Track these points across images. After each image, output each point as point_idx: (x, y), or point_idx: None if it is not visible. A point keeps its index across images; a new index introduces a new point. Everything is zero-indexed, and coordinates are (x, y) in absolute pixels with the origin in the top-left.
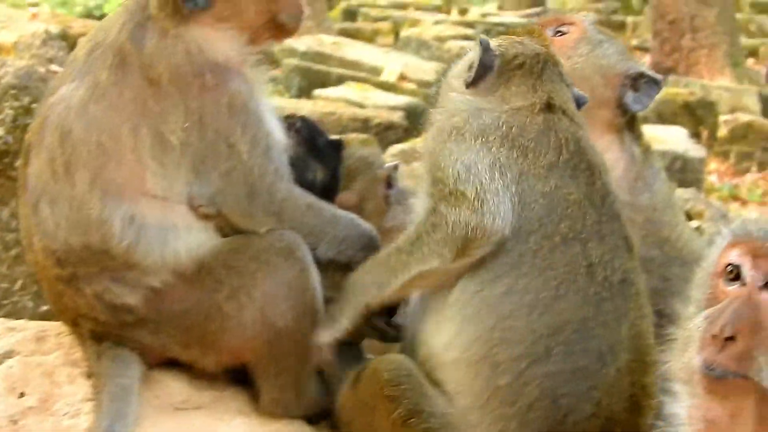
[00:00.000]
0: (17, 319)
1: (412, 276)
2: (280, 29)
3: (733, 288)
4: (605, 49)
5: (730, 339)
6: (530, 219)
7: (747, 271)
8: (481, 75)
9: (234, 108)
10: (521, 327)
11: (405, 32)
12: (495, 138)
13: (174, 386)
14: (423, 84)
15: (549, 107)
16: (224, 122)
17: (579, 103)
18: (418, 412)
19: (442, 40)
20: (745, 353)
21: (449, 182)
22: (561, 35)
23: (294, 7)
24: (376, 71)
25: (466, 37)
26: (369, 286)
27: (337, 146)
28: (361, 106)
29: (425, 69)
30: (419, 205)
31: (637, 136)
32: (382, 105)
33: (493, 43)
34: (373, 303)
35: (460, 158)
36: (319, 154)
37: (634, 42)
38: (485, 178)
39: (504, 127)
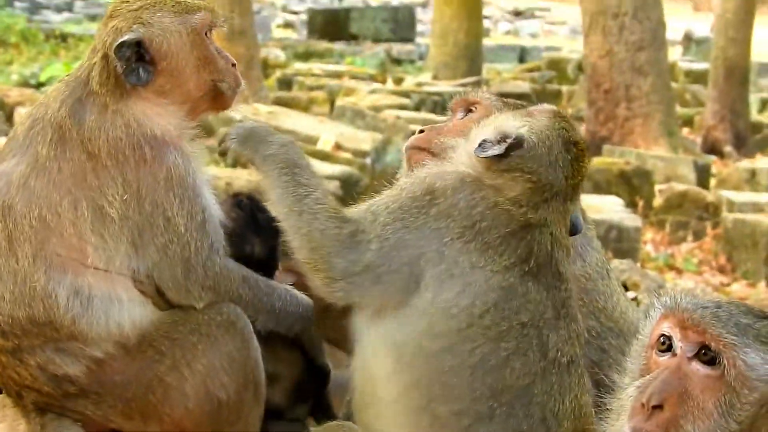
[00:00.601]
0: None
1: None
2: (218, 101)
3: (664, 359)
4: None
5: (658, 407)
6: (486, 301)
7: (676, 342)
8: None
9: (171, 182)
10: (462, 384)
11: (340, 101)
12: (456, 225)
13: None
14: (358, 153)
15: (535, 223)
16: (161, 195)
17: (574, 230)
18: None
19: (377, 109)
20: (672, 421)
21: (370, 214)
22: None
23: (232, 78)
24: (311, 140)
25: (402, 107)
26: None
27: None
28: None
29: (360, 138)
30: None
31: None
32: (318, 174)
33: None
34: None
35: (404, 223)
36: (259, 230)
37: (570, 111)
38: (394, 254)
39: (477, 218)
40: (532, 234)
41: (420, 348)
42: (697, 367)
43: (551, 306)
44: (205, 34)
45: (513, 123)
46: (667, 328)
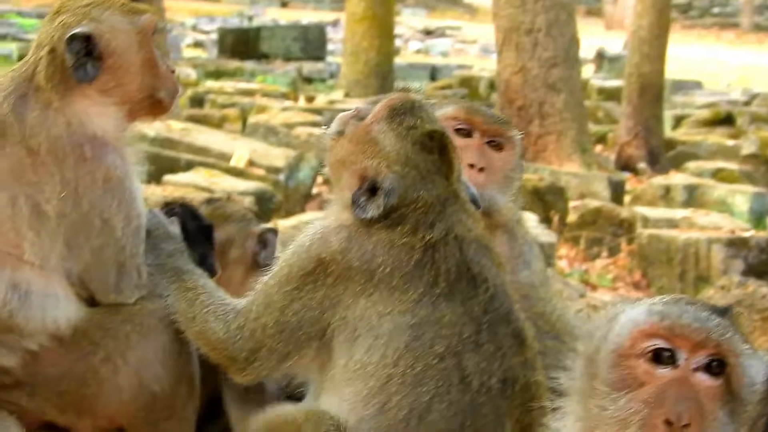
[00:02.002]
0: None
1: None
2: (157, 106)
3: (664, 371)
4: None
5: (686, 426)
6: (396, 347)
7: (679, 354)
8: (366, 211)
9: (110, 182)
10: None
11: (252, 118)
12: (355, 285)
13: None
14: (272, 170)
15: (440, 240)
16: (99, 196)
17: (475, 205)
18: None
19: (290, 126)
20: None
21: (262, 297)
22: None
23: (172, 85)
24: (224, 157)
25: (314, 124)
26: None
27: (208, 231)
28: (210, 191)
29: (274, 154)
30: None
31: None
32: (231, 190)
33: (395, 173)
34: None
35: (303, 302)
36: (191, 237)
37: None
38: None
39: (373, 268)
40: (437, 253)
41: (358, 416)
42: (702, 378)
43: (469, 319)
44: (150, 37)
45: (371, 162)
46: (662, 341)
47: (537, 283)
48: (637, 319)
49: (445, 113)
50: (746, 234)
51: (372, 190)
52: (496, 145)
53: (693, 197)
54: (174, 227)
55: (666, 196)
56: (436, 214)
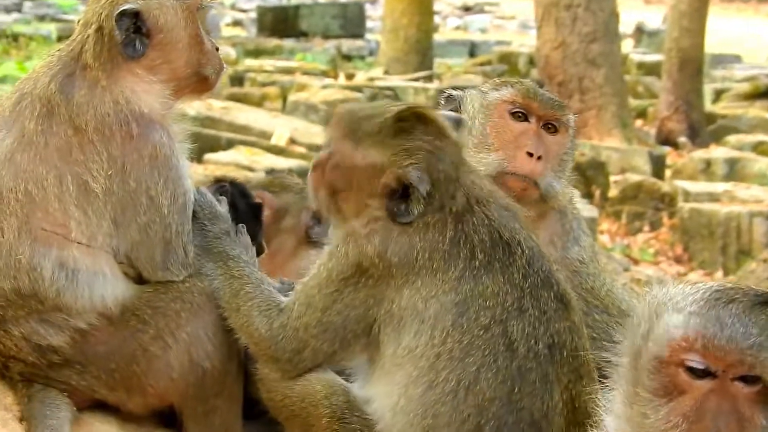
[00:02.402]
0: None
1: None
2: (202, 83)
3: (702, 382)
4: None
5: None
6: (443, 327)
7: (716, 368)
8: (409, 214)
9: (156, 160)
10: (449, 412)
11: (293, 96)
12: (397, 279)
13: (103, 429)
14: (312, 147)
15: (465, 208)
16: (146, 173)
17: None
18: None
19: (330, 103)
20: None
21: (303, 297)
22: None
23: (217, 62)
24: (265, 135)
25: (355, 102)
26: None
27: (257, 210)
28: (251, 169)
29: (314, 132)
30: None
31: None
32: (272, 169)
33: (415, 167)
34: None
35: (345, 302)
36: (240, 215)
37: None
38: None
39: (412, 259)
40: (466, 225)
41: (407, 397)
42: (740, 386)
43: (510, 287)
44: (196, 13)
45: (386, 173)
46: (697, 358)
47: (586, 258)
48: (674, 330)
49: (501, 96)
50: None
51: (402, 193)
52: (551, 128)
53: (734, 171)
54: (222, 206)
55: (707, 169)
56: (453, 182)
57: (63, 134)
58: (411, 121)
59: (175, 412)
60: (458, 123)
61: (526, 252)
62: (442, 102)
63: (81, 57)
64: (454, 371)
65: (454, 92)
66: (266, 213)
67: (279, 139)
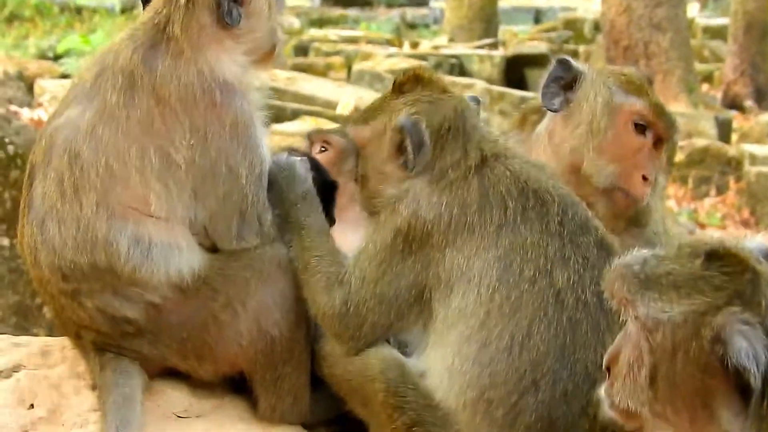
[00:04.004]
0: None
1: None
2: (272, 53)
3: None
4: None
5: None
6: (489, 284)
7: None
8: (417, 156)
9: (236, 128)
10: (504, 369)
11: (357, 66)
12: (440, 243)
13: (175, 395)
14: None
15: (482, 162)
16: (226, 142)
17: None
18: (421, 422)
19: (395, 72)
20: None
21: (358, 271)
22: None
23: (283, 36)
24: (330, 105)
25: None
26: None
27: (331, 188)
28: None
29: None
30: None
31: None
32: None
33: (412, 115)
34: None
35: (395, 272)
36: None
37: None
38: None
39: (446, 216)
40: (489, 177)
41: (461, 356)
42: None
43: (549, 236)
44: None
45: (390, 131)
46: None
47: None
48: None
49: (631, 106)
50: None
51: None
52: (660, 145)
53: None
54: (301, 167)
55: None
56: (462, 135)
57: (145, 106)
58: (410, 83)
59: (245, 379)
60: (476, 102)
61: (557, 199)
62: (556, 66)
63: (167, 28)
64: (506, 327)
65: (574, 63)
66: (330, 153)
67: (344, 109)
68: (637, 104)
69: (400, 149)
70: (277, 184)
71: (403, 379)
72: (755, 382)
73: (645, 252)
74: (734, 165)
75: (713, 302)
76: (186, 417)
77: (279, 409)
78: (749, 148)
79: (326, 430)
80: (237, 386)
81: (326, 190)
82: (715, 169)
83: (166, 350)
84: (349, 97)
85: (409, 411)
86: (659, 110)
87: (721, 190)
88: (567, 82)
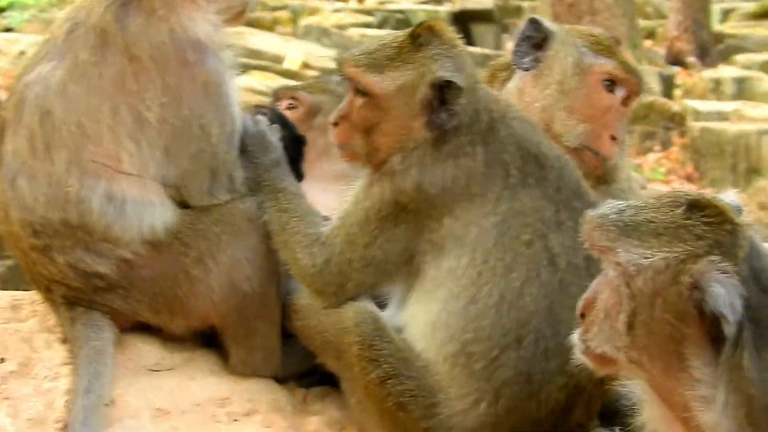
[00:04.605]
0: None
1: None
2: (243, 12)
3: None
4: None
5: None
6: (485, 248)
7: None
8: (452, 117)
9: (209, 87)
10: (490, 325)
11: (304, 21)
12: (438, 210)
13: (146, 349)
14: (326, 71)
15: (490, 125)
16: (199, 100)
17: None
18: (396, 375)
19: (342, 27)
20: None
21: (344, 234)
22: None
23: None
24: (278, 59)
25: (366, 25)
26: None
27: (300, 142)
28: (264, 94)
29: (327, 57)
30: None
31: None
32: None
33: (449, 72)
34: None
35: (386, 236)
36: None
37: None
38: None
39: (449, 188)
40: (495, 144)
41: (447, 311)
42: None
43: (546, 201)
44: None
45: (421, 88)
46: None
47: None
48: None
49: (601, 66)
50: None
51: (441, 101)
52: (628, 100)
53: (743, 90)
54: (273, 135)
55: (716, 89)
56: (474, 94)
57: (117, 64)
58: (426, 35)
59: (216, 333)
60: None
61: (555, 164)
62: (527, 26)
63: None
64: (497, 287)
65: (545, 23)
66: (299, 110)
67: (292, 63)
68: (606, 64)
69: (431, 106)
70: (249, 150)
71: (379, 332)
72: (730, 329)
73: (619, 203)
74: (678, 120)
75: (694, 250)
76: (157, 370)
77: (250, 362)
78: (693, 103)
79: (297, 383)
80: (208, 340)
81: (295, 146)
82: (659, 125)
83: (137, 305)
84: (297, 52)
85: (384, 364)
86: (628, 68)
87: (666, 146)
88: (537, 41)
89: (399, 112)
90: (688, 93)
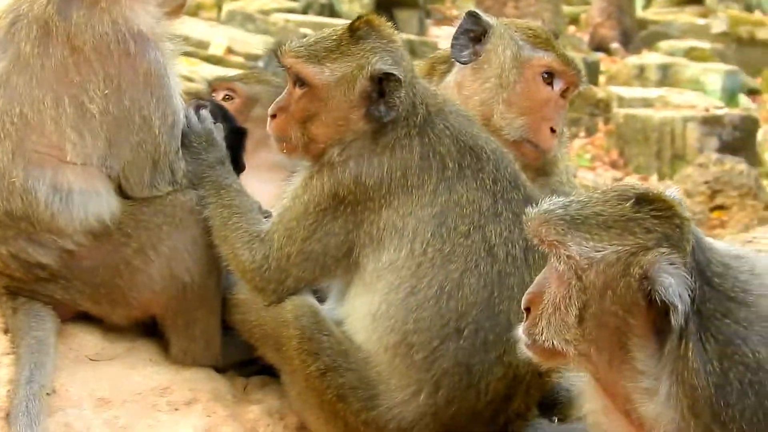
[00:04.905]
0: None
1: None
2: (181, 6)
3: None
4: None
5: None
6: (423, 239)
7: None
8: (391, 109)
9: (150, 78)
10: (429, 316)
11: (228, 6)
12: (375, 202)
13: (88, 339)
14: (250, 57)
15: (426, 118)
16: (140, 91)
17: None
18: (336, 367)
19: (266, 13)
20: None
21: (283, 229)
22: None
23: None
24: (203, 45)
25: (290, 10)
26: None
27: (240, 133)
28: (190, 80)
29: (252, 42)
30: (278, 206)
31: None
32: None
33: (389, 66)
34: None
35: (325, 230)
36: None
37: (455, 12)
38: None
39: (387, 180)
40: (431, 136)
41: (387, 303)
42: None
43: (484, 192)
44: None
45: (359, 80)
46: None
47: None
48: None
49: (539, 59)
50: (720, 112)
51: (379, 93)
52: (567, 93)
53: (667, 76)
54: (218, 134)
55: (640, 75)
56: (411, 88)
57: (60, 56)
58: (365, 29)
59: (157, 323)
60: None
61: (491, 155)
62: (465, 19)
63: None
64: (436, 277)
65: (484, 17)
66: (236, 101)
67: (217, 49)
68: (544, 57)
69: (369, 99)
70: (193, 147)
71: (318, 325)
72: (678, 319)
73: (561, 198)
74: (603, 107)
75: (644, 243)
76: (98, 360)
77: (191, 352)
78: (617, 90)
79: (237, 372)
80: (149, 330)
81: (235, 137)
82: (584, 111)
83: (79, 295)
84: (221, 37)
85: (324, 357)
86: (566, 60)
87: (590, 132)
88: (476, 34)
89: (338, 104)
90: (613, 79)
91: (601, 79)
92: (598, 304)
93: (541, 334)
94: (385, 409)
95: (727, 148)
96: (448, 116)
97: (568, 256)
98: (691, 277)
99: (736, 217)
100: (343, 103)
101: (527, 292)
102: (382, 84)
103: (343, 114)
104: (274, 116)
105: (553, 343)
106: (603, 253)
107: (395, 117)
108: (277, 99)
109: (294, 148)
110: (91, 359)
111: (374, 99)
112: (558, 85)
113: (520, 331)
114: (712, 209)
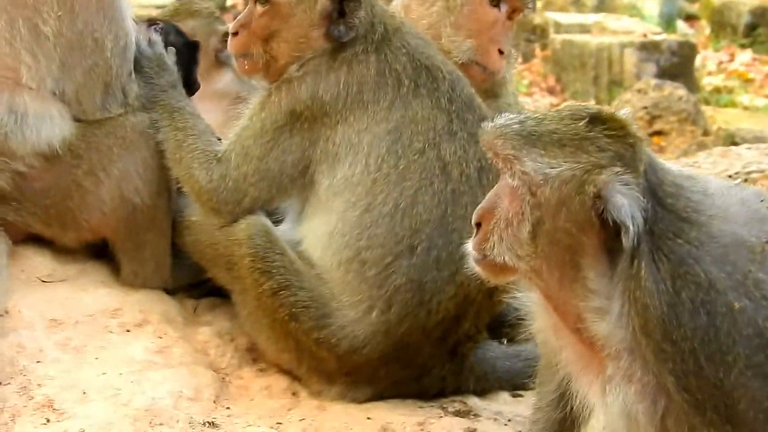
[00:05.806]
0: None
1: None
2: None
3: None
4: None
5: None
6: (378, 154)
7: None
8: (351, 28)
9: (102, 0)
10: (383, 233)
11: None
12: (330, 119)
13: (39, 261)
14: None
15: (384, 37)
16: (93, 14)
17: None
18: (288, 286)
19: None
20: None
21: (239, 148)
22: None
23: None
24: None
25: None
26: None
27: (193, 47)
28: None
29: None
30: (235, 126)
31: None
32: (150, 4)
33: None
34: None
35: (282, 148)
36: (175, 54)
37: None
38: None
39: (343, 95)
40: (388, 54)
41: (343, 221)
42: None
43: (439, 111)
44: None
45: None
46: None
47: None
48: None
49: None
50: (657, 37)
51: (339, 13)
52: (513, 15)
53: (604, 2)
54: (170, 57)
55: (577, 1)
56: (372, 9)
57: None
58: None
59: (107, 245)
60: None
61: (447, 76)
62: None
63: None
64: (391, 194)
65: None
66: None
67: None
68: None
69: (330, 18)
70: (144, 72)
71: (271, 244)
72: (629, 238)
73: (517, 114)
74: (539, 33)
75: (597, 161)
76: (50, 281)
77: (141, 274)
78: (554, 16)
79: (187, 294)
80: (99, 252)
81: (189, 52)
82: (520, 37)
83: (30, 217)
84: None
85: (276, 275)
86: None
87: (527, 58)
88: None
89: (298, 21)
90: (549, 5)
91: (539, 4)
92: (551, 221)
93: (492, 249)
94: (337, 327)
95: (665, 74)
96: (405, 36)
97: (523, 172)
98: (644, 197)
99: (674, 143)
100: (304, 21)
101: (478, 207)
102: (343, 4)
103: (303, 32)
104: (235, 33)
105: (504, 258)
106: (558, 170)
107: (355, 36)
108: (239, 17)
109: (255, 65)
110: (42, 281)
111: (335, 18)
112: (504, 7)
113: (470, 246)
114: (651, 134)
